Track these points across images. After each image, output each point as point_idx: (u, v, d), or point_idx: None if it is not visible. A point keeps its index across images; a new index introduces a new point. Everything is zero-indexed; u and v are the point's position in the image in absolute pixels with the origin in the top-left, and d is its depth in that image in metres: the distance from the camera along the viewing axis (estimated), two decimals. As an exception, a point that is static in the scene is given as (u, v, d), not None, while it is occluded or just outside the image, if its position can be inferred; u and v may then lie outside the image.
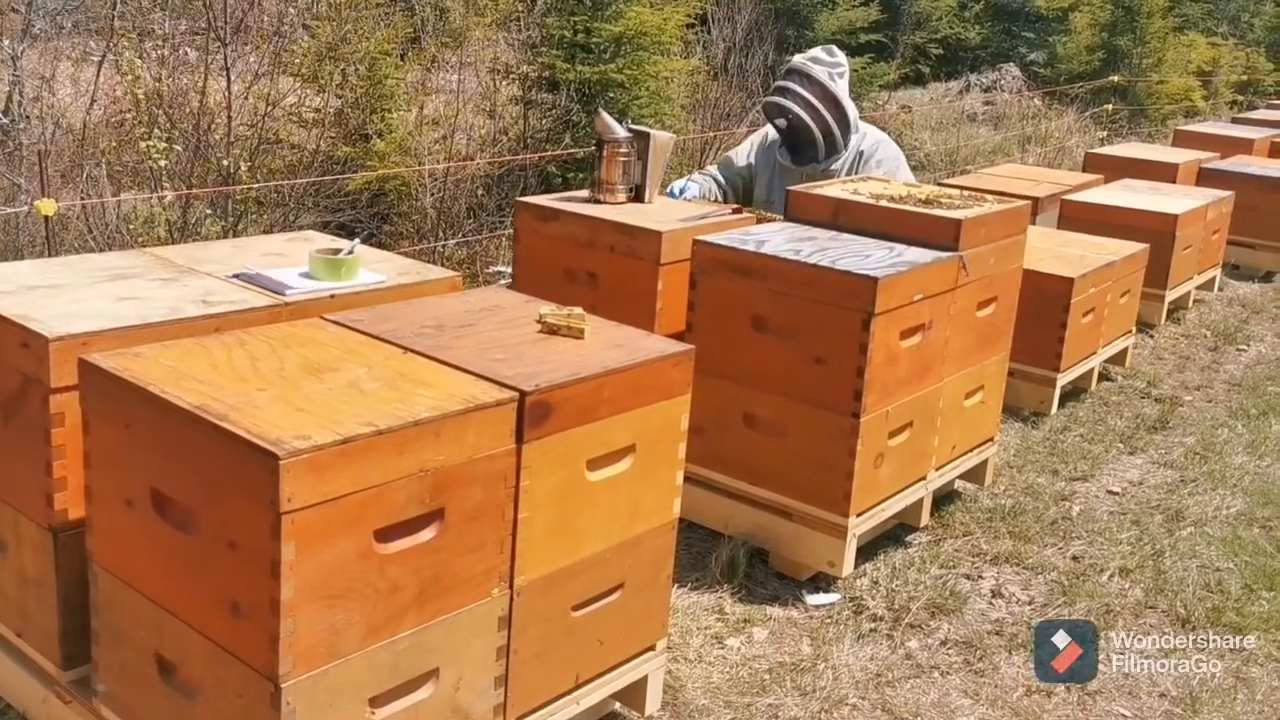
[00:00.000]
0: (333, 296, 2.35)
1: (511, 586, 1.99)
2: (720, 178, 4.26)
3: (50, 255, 4.28)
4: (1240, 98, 16.05)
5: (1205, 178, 6.87)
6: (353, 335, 2.12)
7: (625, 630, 2.28)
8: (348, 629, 1.73)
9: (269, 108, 5.80)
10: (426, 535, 1.82)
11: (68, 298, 2.19)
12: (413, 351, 2.06)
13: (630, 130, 3.56)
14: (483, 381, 1.94)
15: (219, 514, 1.70)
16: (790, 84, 4.04)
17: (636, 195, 3.56)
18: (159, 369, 1.85)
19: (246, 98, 5.75)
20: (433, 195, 6.32)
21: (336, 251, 2.48)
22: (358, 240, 2.51)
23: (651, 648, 2.37)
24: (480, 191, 6.74)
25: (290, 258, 2.59)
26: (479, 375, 1.96)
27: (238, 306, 2.21)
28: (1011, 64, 14.28)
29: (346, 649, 1.74)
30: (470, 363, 2.01)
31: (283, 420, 1.69)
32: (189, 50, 6.55)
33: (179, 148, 5.23)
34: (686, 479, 2.86)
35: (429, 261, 5.86)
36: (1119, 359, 4.97)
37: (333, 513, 1.67)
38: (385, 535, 1.76)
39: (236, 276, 2.38)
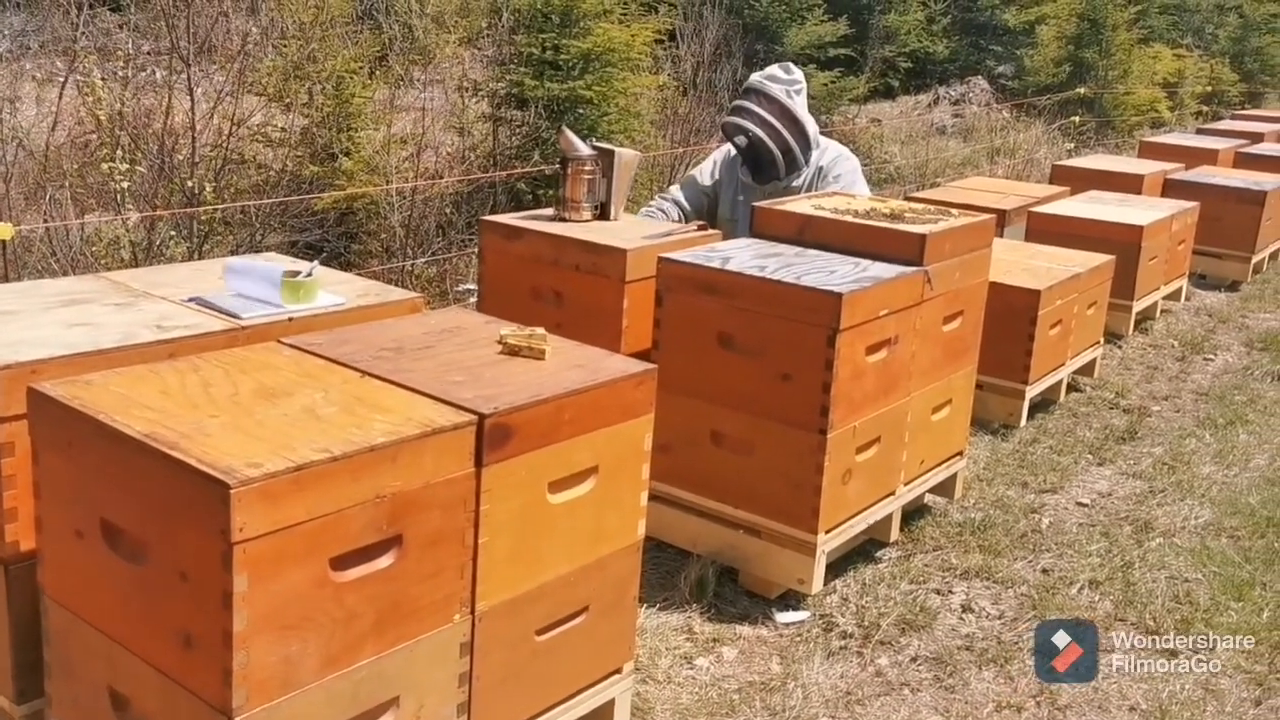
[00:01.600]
0: (290, 320, 2.32)
1: (473, 612, 1.97)
2: (682, 199, 4.22)
3: (10, 279, 4.22)
4: (1205, 108, 16.24)
5: (1170, 188, 6.93)
6: (310, 359, 2.09)
7: (591, 653, 2.26)
8: (304, 659, 1.70)
9: (234, 127, 5.76)
10: (384, 562, 1.79)
11: (19, 324, 2.16)
12: (370, 375, 2.03)
13: (595, 147, 3.55)
14: (441, 405, 1.91)
15: (169, 545, 1.67)
16: (747, 103, 4.03)
17: (602, 213, 3.55)
18: (109, 397, 1.82)
19: (211, 117, 5.71)
20: (401, 213, 6.29)
21: (295, 274, 2.45)
22: (316, 262, 2.48)
23: (618, 670, 2.34)
24: (449, 209, 6.72)
25: (249, 280, 2.55)
26: (437, 398, 1.94)
27: (192, 331, 2.18)
28: (980, 77, 14.38)
29: (303, 680, 1.71)
30: (429, 386, 1.99)
31: (234, 448, 1.66)
32: (156, 70, 6.51)
33: (142, 169, 5.18)
34: (654, 497, 2.85)
35: (398, 280, 5.84)
36: (1087, 370, 4.99)
37: (286, 541, 1.64)
38: (341, 563, 1.73)
39: (192, 300, 2.35)
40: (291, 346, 2.15)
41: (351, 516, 1.72)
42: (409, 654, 1.87)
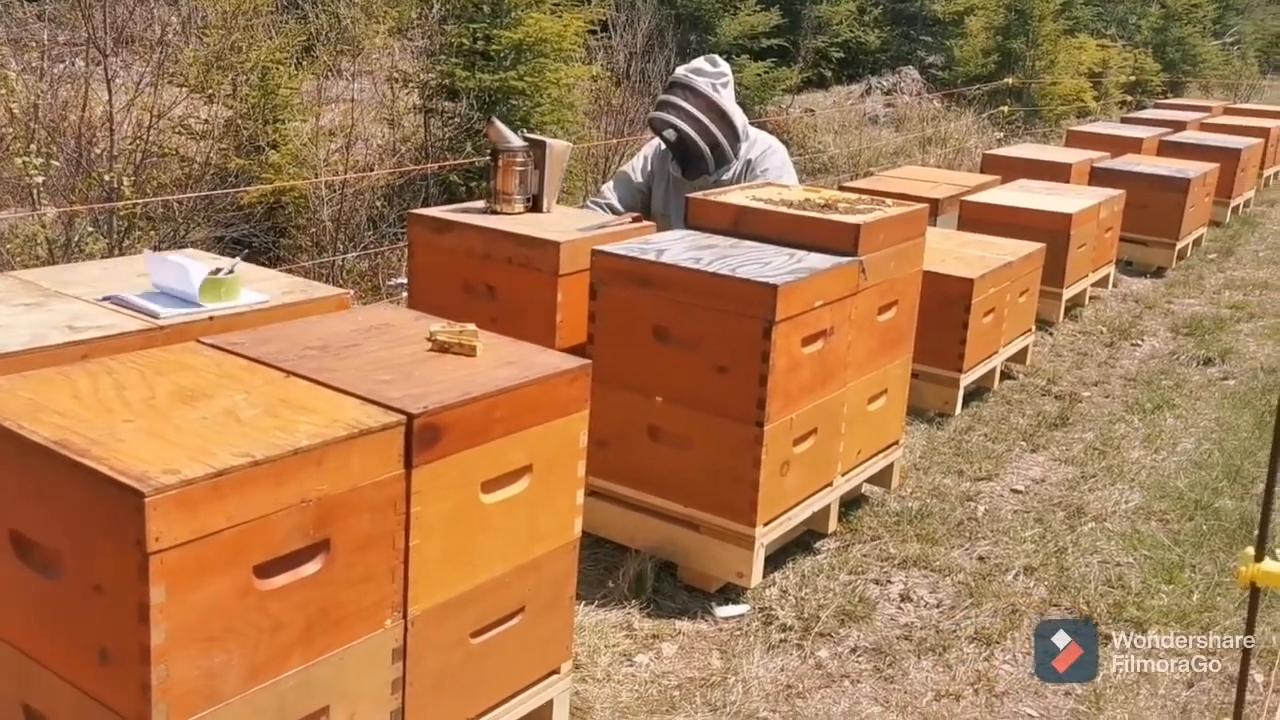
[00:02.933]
0: (211, 319, 2.25)
1: (405, 616, 1.92)
2: (614, 200, 4.14)
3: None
4: (1129, 98, 16.55)
5: (1097, 177, 7.04)
6: (231, 359, 2.02)
7: (528, 655, 2.22)
8: (227, 672, 1.64)
9: (154, 119, 5.59)
10: (311, 568, 1.74)
11: (-79, 327, 2.06)
12: (295, 375, 1.97)
13: (525, 139, 3.50)
14: (368, 405, 1.86)
15: (83, 556, 1.60)
16: (674, 98, 3.97)
17: (534, 205, 3.49)
18: (17, 402, 1.74)
19: (129, 109, 5.54)
20: (331, 207, 6.16)
21: (216, 271, 2.37)
22: (238, 259, 2.41)
23: (556, 671, 2.31)
24: (381, 202, 6.60)
25: (168, 278, 2.47)
26: (364, 398, 1.88)
27: (107, 332, 2.10)
28: (911, 67, 14.53)
29: (226, 693, 1.65)
30: (355, 385, 1.93)
31: (149, 454, 1.59)
32: (77, 61, 6.30)
33: (58, 163, 5.01)
34: (592, 493, 2.81)
35: (329, 275, 5.72)
36: (1020, 357, 5.04)
37: (206, 550, 1.57)
38: (266, 570, 1.67)
39: (107, 299, 2.26)
40: (212, 346, 2.07)
41: (276, 522, 1.66)
42: (339, 662, 1.81)
